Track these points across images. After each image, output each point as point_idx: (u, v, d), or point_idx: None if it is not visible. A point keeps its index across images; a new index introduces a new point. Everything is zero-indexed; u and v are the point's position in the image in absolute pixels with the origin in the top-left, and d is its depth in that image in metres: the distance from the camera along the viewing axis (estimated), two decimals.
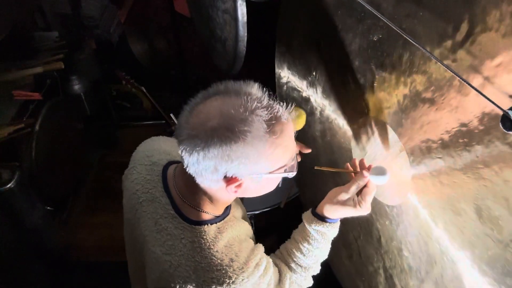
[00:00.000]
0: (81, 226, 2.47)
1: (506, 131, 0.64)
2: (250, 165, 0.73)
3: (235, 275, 0.83)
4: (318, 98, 1.35)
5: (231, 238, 0.88)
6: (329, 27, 1.17)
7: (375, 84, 1.02)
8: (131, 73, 2.32)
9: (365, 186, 0.96)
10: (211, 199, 0.85)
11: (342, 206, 0.96)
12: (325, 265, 1.23)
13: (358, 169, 0.99)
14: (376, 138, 1.07)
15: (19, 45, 2.15)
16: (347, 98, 1.17)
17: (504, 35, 0.66)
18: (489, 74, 0.69)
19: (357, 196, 0.96)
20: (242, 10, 1.53)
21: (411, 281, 1.02)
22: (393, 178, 1.02)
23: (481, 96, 0.66)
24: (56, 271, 2.22)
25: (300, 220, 1.07)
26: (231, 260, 0.84)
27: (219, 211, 0.89)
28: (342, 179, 1.25)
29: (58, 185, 2.30)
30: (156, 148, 0.99)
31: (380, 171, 0.97)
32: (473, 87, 0.68)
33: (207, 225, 0.85)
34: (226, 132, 0.70)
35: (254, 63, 1.98)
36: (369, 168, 0.96)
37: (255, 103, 0.72)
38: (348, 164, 1.02)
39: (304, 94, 1.43)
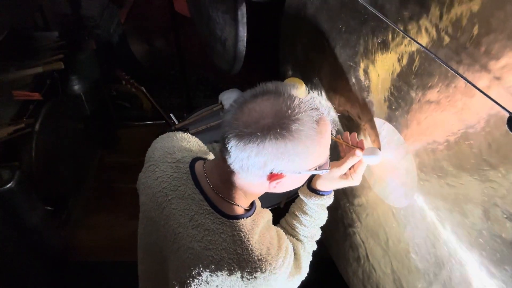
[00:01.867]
0: (81, 226, 2.47)
1: None
2: (297, 163, 0.78)
3: (275, 261, 0.88)
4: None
5: (262, 228, 0.92)
6: (332, 29, 1.17)
7: (379, 86, 1.02)
8: (131, 73, 2.32)
9: None
10: (245, 193, 0.89)
11: (335, 181, 1.05)
12: (332, 266, 1.23)
13: (349, 142, 1.06)
14: (381, 140, 1.07)
15: (19, 45, 2.15)
16: (352, 100, 1.17)
17: (509, 36, 0.65)
18: (495, 75, 0.68)
19: (349, 169, 1.04)
20: (241, 10, 1.53)
21: (419, 283, 1.02)
22: (400, 179, 1.03)
23: (487, 97, 0.65)
24: (56, 271, 2.22)
25: None
26: (268, 248, 0.89)
27: (248, 204, 0.93)
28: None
29: (58, 185, 2.30)
30: (175, 145, 1.01)
31: (373, 151, 1.04)
32: (478, 89, 0.67)
33: (244, 218, 0.89)
34: (281, 131, 0.74)
35: (254, 63, 1.98)
36: (361, 147, 1.03)
37: (307, 104, 0.77)
38: (340, 136, 1.08)
39: None
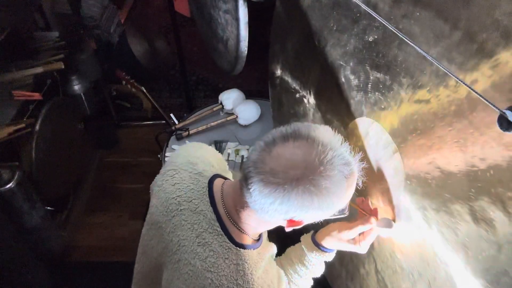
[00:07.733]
0: (81, 226, 2.48)
1: (503, 131, 0.63)
2: (319, 215, 0.78)
3: None
4: (311, 99, 1.34)
5: (266, 263, 0.92)
6: (324, 28, 1.16)
7: (369, 85, 1.02)
8: (131, 73, 2.32)
9: None
10: (257, 226, 0.88)
11: (342, 242, 1.02)
12: None
13: (362, 207, 1.04)
14: (369, 139, 1.07)
15: (19, 45, 2.15)
16: (340, 99, 1.16)
17: (502, 35, 0.65)
18: (486, 73, 0.68)
19: (359, 234, 1.02)
20: (243, 10, 1.54)
21: (403, 283, 1.01)
22: (387, 179, 1.02)
23: (478, 96, 0.65)
24: (56, 271, 2.22)
25: None
26: (269, 286, 0.88)
27: (257, 235, 0.92)
28: None
29: (58, 185, 2.30)
30: (200, 156, 0.99)
31: (388, 224, 1.00)
32: (469, 87, 0.67)
33: (251, 249, 0.88)
34: (310, 186, 0.71)
35: (254, 63, 1.98)
36: (375, 215, 1.01)
37: (340, 159, 0.73)
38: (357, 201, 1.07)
39: (297, 95, 1.42)
